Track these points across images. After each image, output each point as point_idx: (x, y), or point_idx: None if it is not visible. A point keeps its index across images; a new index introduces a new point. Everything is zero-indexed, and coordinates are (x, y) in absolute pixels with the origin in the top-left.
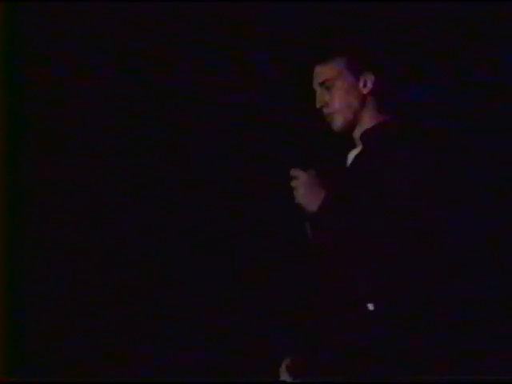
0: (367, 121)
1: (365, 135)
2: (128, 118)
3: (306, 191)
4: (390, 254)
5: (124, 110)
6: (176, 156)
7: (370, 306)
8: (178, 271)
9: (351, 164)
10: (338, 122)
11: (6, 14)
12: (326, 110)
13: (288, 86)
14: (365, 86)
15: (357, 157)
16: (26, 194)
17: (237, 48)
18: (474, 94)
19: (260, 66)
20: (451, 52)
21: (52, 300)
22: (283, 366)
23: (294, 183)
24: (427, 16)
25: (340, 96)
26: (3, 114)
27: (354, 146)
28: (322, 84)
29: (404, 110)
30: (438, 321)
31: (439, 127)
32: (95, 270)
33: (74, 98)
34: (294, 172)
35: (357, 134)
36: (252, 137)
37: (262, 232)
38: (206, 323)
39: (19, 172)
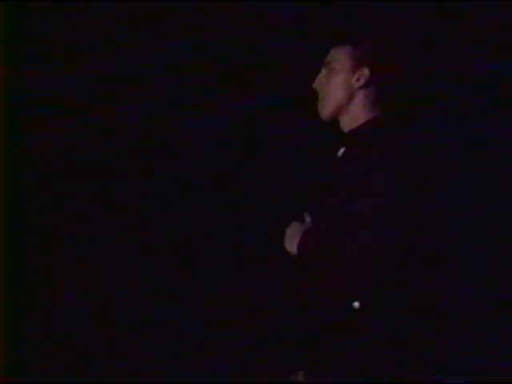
0: (353, 117)
1: (349, 134)
2: (128, 119)
3: (287, 240)
4: (374, 253)
5: (124, 109)
6: (175, 158)
7: (356, 305)
8: (178, 270)
9: (337, 163)
10: (322, 110)
11: (5, 14)
12: (319, 94)
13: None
14: (357, 80)
15: (341, 156)
16: (25, 193)
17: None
18: (466, 95)
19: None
20: (450, 55)
21: (52, 300)
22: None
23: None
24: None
25: (333, 83)
26: (3, 114)
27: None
28: (325, 64)
29: (394, 110)
30: (425, 320)
31: (430, 129)
32: (95, 270)
33: (74, 98)
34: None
35: (344, 130)
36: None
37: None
38: (204, 322)
39: (19, 171)
